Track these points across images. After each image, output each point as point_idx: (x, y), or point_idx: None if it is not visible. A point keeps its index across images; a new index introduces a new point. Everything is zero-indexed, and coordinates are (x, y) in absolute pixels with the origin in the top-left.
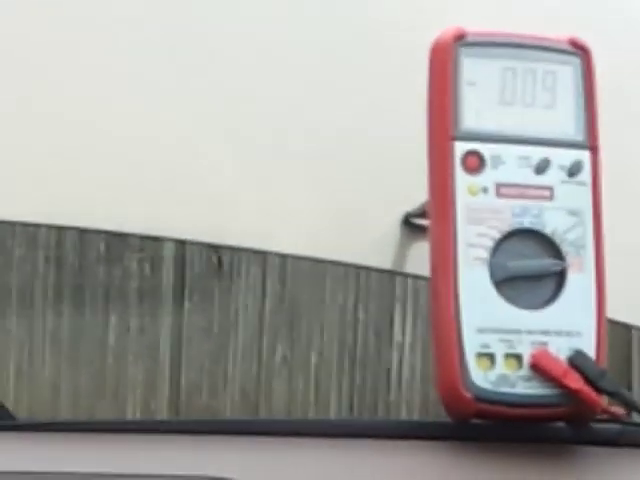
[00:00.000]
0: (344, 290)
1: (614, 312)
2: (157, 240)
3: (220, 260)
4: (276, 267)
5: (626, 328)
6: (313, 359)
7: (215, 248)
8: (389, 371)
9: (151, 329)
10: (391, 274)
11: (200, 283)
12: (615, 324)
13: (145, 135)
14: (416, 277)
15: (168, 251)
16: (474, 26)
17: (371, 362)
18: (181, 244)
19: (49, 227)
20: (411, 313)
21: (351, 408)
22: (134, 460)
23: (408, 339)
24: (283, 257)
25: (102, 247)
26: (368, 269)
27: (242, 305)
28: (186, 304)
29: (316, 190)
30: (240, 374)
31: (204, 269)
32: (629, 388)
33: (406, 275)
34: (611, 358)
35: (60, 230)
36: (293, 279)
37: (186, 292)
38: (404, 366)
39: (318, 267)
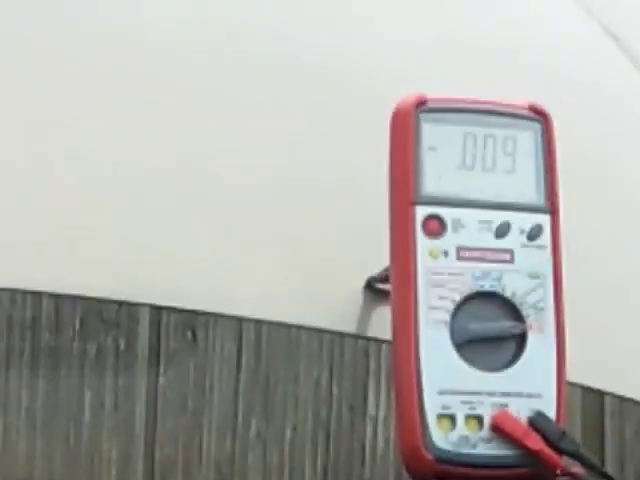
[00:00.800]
0: (318, 364)
1: (587, 378)
2: (132, 307)
3: (194, 334)
4: (251, 342)
5: (599, 394)
6: (287, 434)
7: (189, 317)
8: (363, 445)
9: (125, 404)
10: (365, 348)
11: (175, 357)
12: (588, 390)
13: (105, 197)
14: (388, 346)
15: (143, 323)
16: (434, 91)
17: (345, 436)
18: (156, 312)
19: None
20: (385, 387)
21: None
22: None
23: (382, 413)
24: (258, 323)
25: (77, 317)
26: (342, 343)
27: (217, 379)
28: (161, 379)
29: (281, 255)
30: (215, 449)
31: (179, 343)
32: (602, 454)
33: (380, 342)
34: (584, 424)
35: (34, 296)
36: (268, 353)
37: (161, 367)
38: (378, 440)
39: (292, 342)
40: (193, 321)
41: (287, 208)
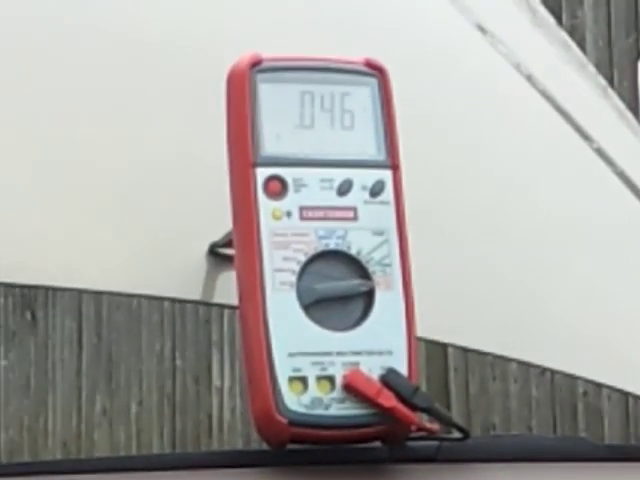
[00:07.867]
0: (160, 336)
1: (430, 332)
2: None
3: (34, 314)
4: (91, 318)
5: (442, 346)
6: (133, 409)
7: (28, 297)
8: (210, 416)
9: None
10: (206, 317)
11: (15, 338)
12: (431, 343)
13: None
14: (231, 312)
15: None
16: (271, 52)
17: (191, 408)
18: None
19: None
20: (228, 356)
21: None
22: None
23: (227, 383)
24: (97, 298)
25: None
26: (183, 312)
27: (59, 358)
28: (2, 362)
29: (121, 224)
30: (60, 428)
31: (18, 324)
32: (448, 404)
33: (222, 307)
34: (429, 375)
35: None
36: (109, 329)
37: (1, 349)
38: (224, 410)
39: (133, 315)
40: (32, 301)
41: (126, 175)
